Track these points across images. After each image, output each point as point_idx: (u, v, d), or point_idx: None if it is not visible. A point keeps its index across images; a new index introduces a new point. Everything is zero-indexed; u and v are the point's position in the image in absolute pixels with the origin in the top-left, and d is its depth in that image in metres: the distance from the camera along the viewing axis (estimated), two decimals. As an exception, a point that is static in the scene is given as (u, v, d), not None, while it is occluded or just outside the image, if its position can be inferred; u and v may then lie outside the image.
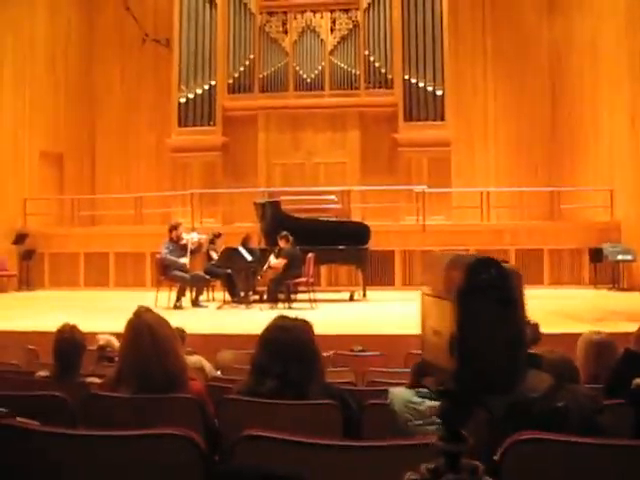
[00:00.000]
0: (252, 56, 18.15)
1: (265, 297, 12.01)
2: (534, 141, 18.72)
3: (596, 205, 15.89)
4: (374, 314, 10.83)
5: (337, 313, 10.62)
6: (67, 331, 4.13)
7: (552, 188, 17.35)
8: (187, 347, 5.59)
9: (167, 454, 1.90)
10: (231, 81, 18.14)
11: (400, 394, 2.81)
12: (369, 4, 17.92)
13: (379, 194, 16.71)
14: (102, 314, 10.27)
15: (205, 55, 18.13)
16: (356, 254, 12.64)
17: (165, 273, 11.80)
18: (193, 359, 5.29)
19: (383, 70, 17.76)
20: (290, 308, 11.01)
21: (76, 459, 1.95)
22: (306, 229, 12.16)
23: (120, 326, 6.46)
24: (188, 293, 11.94)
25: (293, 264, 11.47)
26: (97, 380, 3.99)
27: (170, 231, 11.97)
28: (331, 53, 18.04)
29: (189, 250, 11.88)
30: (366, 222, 13.70)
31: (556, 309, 10.32)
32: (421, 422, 2.73)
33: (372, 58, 17.82)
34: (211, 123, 18.01)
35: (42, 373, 4.33)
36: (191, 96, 18.01)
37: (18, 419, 2.03)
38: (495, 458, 1.72)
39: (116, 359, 5.31)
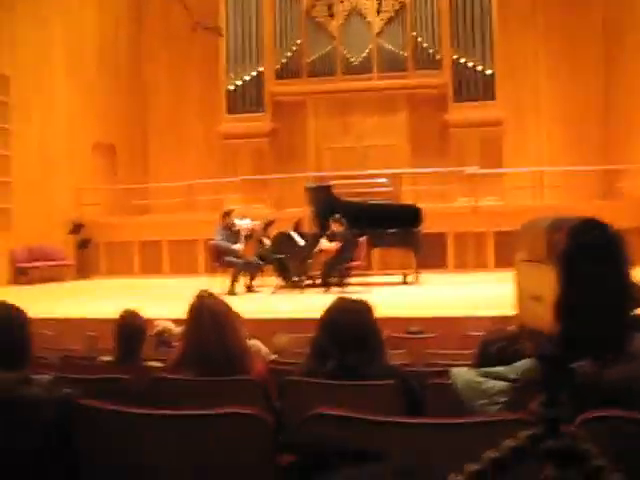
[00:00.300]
0: (299, 41, 18.13)
1: (318, 281, 12.04)
2: (588, 118, 18.31)
3: (654, 182, 15.52)
4: (427, 297, 10.77)
5: (390, 296, 10.57)
6: (129, 316, 4.19)
7: (607, 166, 16.97)
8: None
9: (236, 433, 1.92)
10: (279, 67, 18.17)
11: (462, 374, 2.78)
12: (416, -16, 17.74)
13: (430, 176, 16.58)
14: (158, 301, 10.41)
15: (252, 42, 18.18)
16: (408, 237, 12.56)
17: (219, 259, 11.90)
18: (250, 343, 5.33)
19: (431, 51, 17.58)
20: (343, 292, 11.01)
21: (147, 438, 1.98)
22: (358, 212, 12.11)
23: (176, 312, 6.56)
24: (242, 279, 12.03)
25: (346, 248, 11.44)
26: (158, 364, 4.05)
27: (223, 217, 12.05)
28: (378, 35, 17.91)
29: (242, 236, 11.96)
30: (418, 204, 13.59)
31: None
32: (484, 401, 2.70)
33: (420, 39, 17.64)
34: (260, 109, 18.08)
35: (104, 358, 4.41)
36: (239, 83, 18.09)
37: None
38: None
39: (174, 344, 5.41)
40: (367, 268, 12.26)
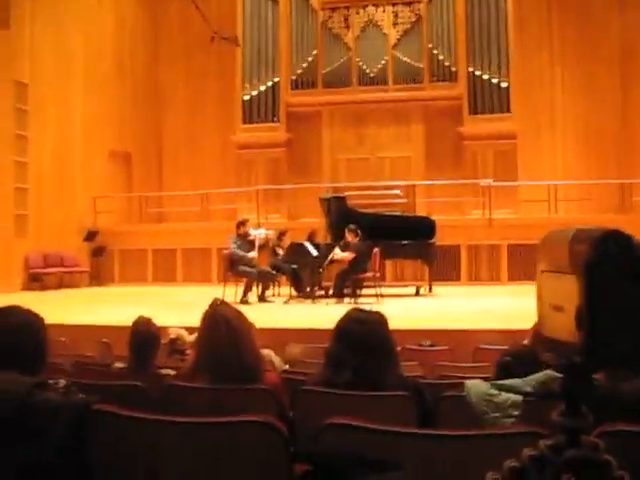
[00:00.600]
0: (315, 52, 18.20)
1: (331, 292, 12.03)
2: (603, 132, 18.25)
3: (670, 197, 15.44)
4: (440, 309, 10.74)
5: (403, 308, 10.55)
6: (143, 323, 4.20)
7: (623, 180, 16.90)
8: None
9: (250, 441, 1.92)
10: (294, 77, 18.24)
11: (476, 386, 2.78)
12: (432, -4, 17.78)
13: (444, 188, 16.56)
14: (171, 309, 10.44)
15: (268, 52, 18.26)
16: (422, 249, 12.54)
17: (232, 268, 11.93)
18: (263, 352, 5.33)
19: (447, 63, 17.60)
20: (356, 303, 10.99)
21: (162, 445, 1.99)
22: (372, 224, 12.11)
23: (189, 320, 6.57)
24: (255, 288, 12.04)
25: (360, 259, 11.44)
26: (171, 372, 4.05)
27: (238, 227, 12.09)
28: (394, 47, 17.96)
29: (257, 246, 11.99)
30: (432, 217, 13.58)
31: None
32: (498, 415, 2.70)
33: (436, 51, 17.67)
34: (275, 120, 18.14)
35: (118, 365, 4.43)
36: (255, 93, 18.17)
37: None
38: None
39: (187, 352, 5.42)
40: (380, 279, 12.23)
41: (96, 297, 13.91)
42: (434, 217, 13.45)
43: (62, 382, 2.19)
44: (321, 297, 11.99)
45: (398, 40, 18.00)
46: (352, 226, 11.66)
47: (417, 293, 13.02)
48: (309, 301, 11.68)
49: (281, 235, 12.79)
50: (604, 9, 18.24)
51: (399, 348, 6.29)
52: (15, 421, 1.86)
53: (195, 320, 3.41)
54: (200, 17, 11.63)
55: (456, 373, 4.58)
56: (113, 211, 17.78)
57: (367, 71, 17.99)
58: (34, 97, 15.50)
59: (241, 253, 11.80)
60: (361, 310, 3.18)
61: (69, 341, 6.94)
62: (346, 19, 18.34)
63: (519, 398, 2.67)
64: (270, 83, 18.18)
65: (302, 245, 11.94)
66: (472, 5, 17.48)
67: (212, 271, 16.04)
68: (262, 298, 11.99)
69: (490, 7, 17.34)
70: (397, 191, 16.32)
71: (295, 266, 12.11)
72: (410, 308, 10.79)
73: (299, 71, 18.26)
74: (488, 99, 17.16)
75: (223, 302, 3.30)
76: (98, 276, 16.68)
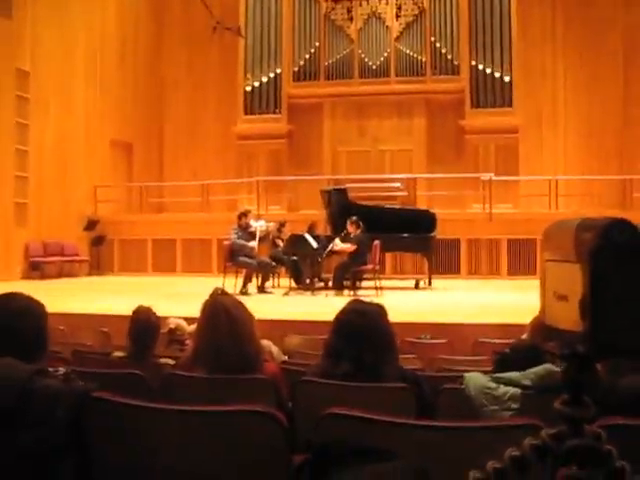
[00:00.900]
0: (317, 44, 18.16)
1: (330, 284, 12.04)
2: (605, 128, 18.22)
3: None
4: (440, 302, 10.75)
5: (402, 301, 10.56)
6: (143, 312, 4.21)
7: (624, 176, 16.89)
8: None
9: (250, 430, 1.93)
10: (296, 69, 18.21)
11: (475, 379, 2.79)
12: (435, -11, 17.74)
13: (445, 182, 16.56)
14: (171, 299, 10.45)
15: (271, 43, 18.23)
16: (422, 242, 12.54)
17: (232, 259, 11.93)
18: (262, 343, 5.34)
19: (449, 56, 17.57)
20: (355, 295, 10.99)
21: (162, 433, 2.00)
22: (372, 216, 12.10)
23: (189, 310, 6.57)
24: (254, 279, 12.05)
25: (360, 251, 11.44)
26: (170, 361, 4.06)
27: (239, 218, 12.08)
28: (397, 40, 17.92)
29: (258, 237, 11.99)
30: (432, 210, 13.58)
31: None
32: (496, 407, 2.71)
33: (438, 44, 17.64)
34: (277, 111, 18.13)
35: (117, 354, 4.43)
36: (257, 84, 18.14)
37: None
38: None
39: (187, 342, 5.42)
40: (380, 272, 12.23)
41: (95, 286, 13.91)
42: (434, 210, 13.44)
43: (62, 370, 2.20)
44: (321, 289, 12.00)
45: (401, 33, 17.96)
46: (354, 218, 11.64)
47: (416, 286, 13.02)
48: (308, 293, 11.68)
49: (280, 226, 12.79)
50: (608, 3, 18.19)
51: (398, 341, 6.32)
52: (15, 407, 1.86)
53: (194, 310, 3.42)
54: (203, 7, 11.59)
55: (455, 366, 4.59)
56: (113, 201, 17.78)
57: (369, 63, 17.96)
58: (35, 85, 15.47)
59: (241, 242, 11.80)
60: (361, 302, 3.18)
61: (68, 330, 6.94)
62: (349, 11, 18.30)
63: (518, 391, 2.68)
64: (272, 74, 18.15)
65: (302, 237, 11.93)
66: (475, -1, 17.44)
67: (212, 262, 16.04)
68: (262, 289, 11.99)
69: (493, 1, 17.30)
70: (398, 184, 16.32)
71: (295, 258, 12.12)
72: (409, 301, 10.80)
73: (301, 63, 18.23)
74: (490, 93, 17.14)
75: (223, 292, 3.31)
76: (98, 265, 16.69)
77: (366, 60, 17.98)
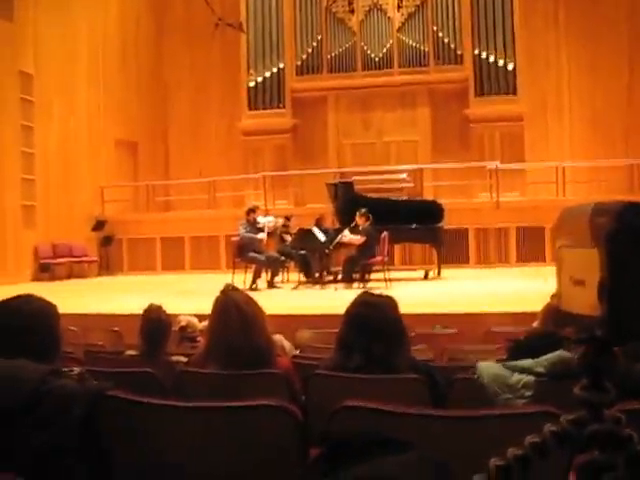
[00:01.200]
0: (319, 37, 18.13)
1: (340, 277, 12.04)
2: (611, 113, 18.13)
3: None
4: (450, 292, 10.74)
5: (412, 292, 10.55)
6: (154, 311, 4.22)
7: (631, 161, 16.81)
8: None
9: (264, 425, 1.93)
10: (299, 63, 18.19)
11: (488, 368, 2.79)
12: (436, -21, 17.67)
13: (451, 172, 16.52)
14: (181, 296, 10.48)
15: (272, 38, 18.20)
16: (430, 233, 12.53)
17: (241, 254, 11.94)
18: (274, 338, 5.35)
19: (452, 45, 17.51)
20: (365, 288, 10.98)
21: (179, 430, 2.00)
22: (379, 208, 12.07)
23: (199, 307, 6.57)
24: (264, 275, 12.06)
25: (369, 243, 11.43)
26: (182, 359, 4.07)
27: (248, 214, 12.09)
28: (399, 30, 17.87)
29: (266, 231, 12.01)
30: (439, 200, 13.55)
31: None
32: (510, 396, 2.70)
33: (441, 34, 17.58)
34: (280, 105, 18.11)
35: (130, 352, 4.45)
36: (260, 79, 18.13)
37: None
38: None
39: (198, 339, 5.44)
40: (389, 264, 12.22)
41: (105, 286, 13.96)
42: (441, 201, 13.42)
43: (76, 369, 2.21)
44: (330, 282, 11.99)
45: (403, 23, 17.91)
46: (363, 210, 11.60)
47: (426, 277, 13.02)
48: (318, 287, 11.69)
49: (286, 220, 12.77)
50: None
51: (409, 332, 6.31)
52: (30, 407, 1.87)
53: (205, 307, 3.42)
54: (203, 4, 11.57)
55: (466, 356, 4.59)
56: (120, 200, 17.82)
57: (372, 55, 17.92)
58: (39, 88, 15.50)
59: (250, 235, 11.82)
60: (371, 294, 3.18)
61: (80, 330, 6.96)
62: (350, 3, 18.18)
63: (531, 379, 2.67)
64: (275, 69, 18.13)
65: (310, 231, 11.93)
66: (476, -15, 17.36)
67: (220, 258, 16.06)
68: (271, 284, 12.00)
69: (495, -13, 17.21)
70: (404, 175, 16.29)
71: (303, 252, 12.12)
72: (419, 292, 10.79)
73: (304, 56, 18.20)
74: (494, 81, 17.08)
75: (234, 288, 3.31)
76: (107, 265, 16.73)
77: (369, 52, 17.94)
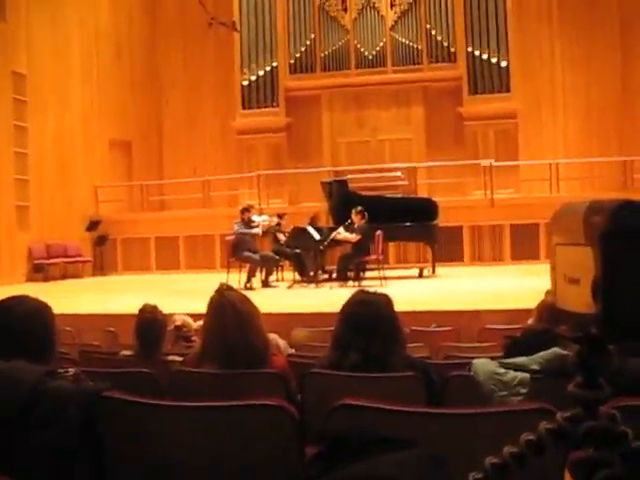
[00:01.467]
0: (312, 35, 18.12)
1: (334, 275, 12.05)
2: (604, 110, 18.17)
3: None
4: (444, 290, 10.75)
5: (407, 290, 10.56)
6: (149, 311, 4.22)
7: (624, 158, 16.85)
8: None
9: (261, 424, 1.93)
10: (293, 61, 18.18)
11: (484, 365, 2.79)
12: (429, -23, 17.67)
13: (446, 169, 16.55)
14: (176, 296, 10.47)
15: (266, 37, 18.19)
16: (424, 230, 12.55)
17: (235, 254, 11.94)
18: (269, 337, 5.35)
19: (445, 44, 17.53)
20: (360, 286, 10.99)
21: (175, 430, 2.01)
22: (374, 206, 12.08)
23: (194, 307, 6.56)
24: (258, 274, 12.06)
25: (363, 241, 11.44)
26: (178, 358, 4.07)
27: (242, 212, 12.09)
28: (392, 29, 17.87)
29: (261, 229, 12.03)
30: (434, 198, 13.57)
31: None
32: (505, 393, 2.71)
33: (434, 32, 17.59)
34: (274, 104, 18.10)
35: (125, 352, 4.44)
36: (253, 78, 18.11)
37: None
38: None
39: (193, 338, 5.43)
40: (383, 262, 12.23)
41: (100, 286, 13.94)
42: (436, 198, 13.43)
43: (71, 370, 2.20)
44: (325, 281, 12.01)
45: (396, 22, 17.91)
46: (359, 208, 11.60)
47: (420, 275, 13.03)
48: (313, 285, 11.70)
49: (279, 218, 12.75)
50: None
51: (404, 330, 6.32)
52: (26, 409, 1.87)
53: (200, 307, 3.42)
54: (196, 3, 11.56)
55: (461, 353, 4.60)
56: (115, 200, 17.78)
57: (365, 53, 17.92)
58: (32, 88, 15.46)
59: (244, 230, 11.82)
60: (366, 292, 3.19)
61: (75, 330, 6.95)
62: (343, 1, 18.24)
63: (527, 376, 2.68)
64: (268, 68, 18.12)
65: (305, 229, 11.94)
66: (469, -17, 17.37)
67: (215, 258, 16.04)
68: (266, 283, 12.00)
69: (487, -16, 17.23)
70: (398, 173, 16.31)
71: (298, 251, 12.12)
72: (414, 290, 10.80)
73: (297, 55, 18.19)
74: (488, 79, 17.10)
75: (229, 287, 3.31)
76: (101, 265, 16.70)
77: (362, 50, 17.94)
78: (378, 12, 18.01)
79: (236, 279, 11.40)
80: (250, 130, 17.94)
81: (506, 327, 5.62)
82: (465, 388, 2.79)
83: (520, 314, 6.11)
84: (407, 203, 13.49)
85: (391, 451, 1.10)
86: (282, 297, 10.67)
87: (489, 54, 17.08)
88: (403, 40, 17.78)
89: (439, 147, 17.35)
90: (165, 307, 4.56)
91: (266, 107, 18.10)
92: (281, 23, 18.13)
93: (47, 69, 15.92)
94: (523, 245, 14.73)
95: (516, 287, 10.01)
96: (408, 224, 12.39)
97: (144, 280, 14.66)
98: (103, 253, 16.82)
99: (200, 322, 4.13)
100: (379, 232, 11.63)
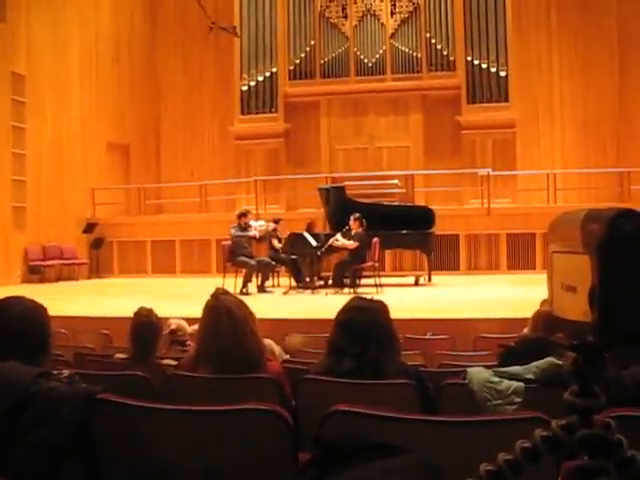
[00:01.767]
0: (313, 42, 18.16)
1: (330, 282, 12.04)
2: (602, 120, 18.22)
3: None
4: (440, 298, 10.75)
5: (403, 298, 10.56)
6: (144, 314, 4.21)
7: (622, 169, 16.89)
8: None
9: (255, 429, 1.93)
10: (292, 68, 18.20)
11: (478, 374, 2.80)
12: (430, -14, 17.73)
13: (443, 178, 16.58)
14: (171, 300, 10.45)
15: (266, 43, 18.22)
16: (421, 238, 12.55)
17: (231, 259, 11.92)
18: (264, 342, 5.34)
19: (445, 52, 17.57)
20: (356, 293, 10.98)
21: (168, 433, 2.00)
22: (370, 213, 12.08)
23: (189, 311, 6.55)
24: (254, 279, 12.05)
25: (360, 249, 11.44)
26: (172, 362, 4.06)
27: (239, 217, 12.09)
28: (392, 37, 17.92)
29: (258, 234, 12.02)
30: (431, 206, 13.58)
31: None
32: (500, 402, 2.71)
33: (433, 40, 17.64)
34: (273, 110, 18.12)
35: (119, 355, 4.44)
36: (253, 84, 18.14)
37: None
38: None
39: (188, 343, 5.42)
40: (379, 269, 12.23)
41: (96, 289, 13.91)
42: (433, 207, 13.44)
43: (65, 372, 2.20)
44: (320, 287, 11.99)
45: (396, 30, 17.95)
46: (357, 215, 11.58)
47: (416, 283, 13.03)
48: (308, 291, 11.69)
49: (275, 223, 12.74)
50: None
51: (399, 338, 6.31)
52: (20, 410, 1.87)
53: (195, 311, 3.41)
54: (197, 7, 11.59)
55: (457, 362, 4.59)
56: (112, 203, 17.77)
57: (365, 61, 17.96)
58: (31, 89, 15.45)
59: (241, 233, 11.82)
60: (362, 299, 3.19)
61: (69, 333, 6.94)
62: (344, 9, 18.29)
63: (521, 385, 2.68)
64: (268, 73, 18.14)
65: (301, 235, 11.93)
66: (469, -7, 17.43)
67: (211, 262, 16.03)
68: (262, 289, 11.99)
69: (487, -6, 17.30)
70: (395, 181, 16.33)
71: (294, 257, 12.11)
72: (410, 298, 10.80)
73: (297, 61, 18.22)
74: (486, 88, 17.13)
75: (225, 291, 3.30)
76: (97, 268, 16.68)
77: (362, 57, 17.98)
78: (378, 20, 18.06)
79: (232, 284, 11.39)
80: (248, 135, 17.95)
81: (501, 336, 5.63)
82: (459, 396, 2.79)
83: (515, 323, 6.11)
84: (404, 211, 13.49)
85: (385, 457, 1.09)
86: (278, 303, 10.66)
87: (488, 63, 17.12)
88: (403, 48, 17.82)
89: (437, 155, 17.38)
90: (160, 311, 4.55)
91: (265, 113, 18.12)
92: (281, 29, 18.17)
93: (46, 70, 15.92)
94: (519, 255, 14.76)
95: (512, 296, 10.02)
96: (405, 232, 12.39)
97: (140, 283, 14.63)
98: (99, 256, 16.80)
99: (195, 326, 4.12)
100: (375, 239, 11.64)
